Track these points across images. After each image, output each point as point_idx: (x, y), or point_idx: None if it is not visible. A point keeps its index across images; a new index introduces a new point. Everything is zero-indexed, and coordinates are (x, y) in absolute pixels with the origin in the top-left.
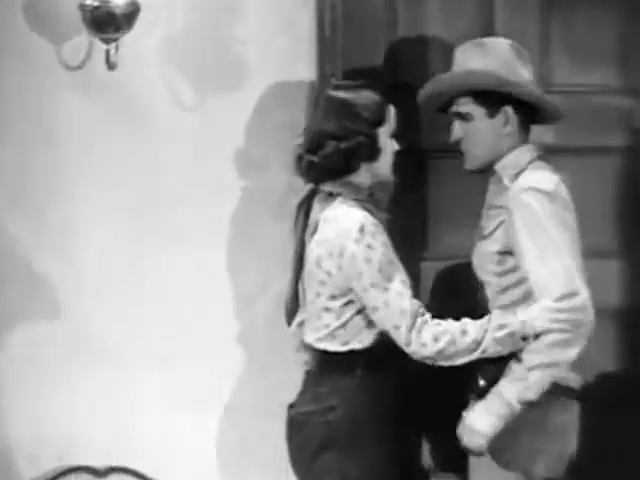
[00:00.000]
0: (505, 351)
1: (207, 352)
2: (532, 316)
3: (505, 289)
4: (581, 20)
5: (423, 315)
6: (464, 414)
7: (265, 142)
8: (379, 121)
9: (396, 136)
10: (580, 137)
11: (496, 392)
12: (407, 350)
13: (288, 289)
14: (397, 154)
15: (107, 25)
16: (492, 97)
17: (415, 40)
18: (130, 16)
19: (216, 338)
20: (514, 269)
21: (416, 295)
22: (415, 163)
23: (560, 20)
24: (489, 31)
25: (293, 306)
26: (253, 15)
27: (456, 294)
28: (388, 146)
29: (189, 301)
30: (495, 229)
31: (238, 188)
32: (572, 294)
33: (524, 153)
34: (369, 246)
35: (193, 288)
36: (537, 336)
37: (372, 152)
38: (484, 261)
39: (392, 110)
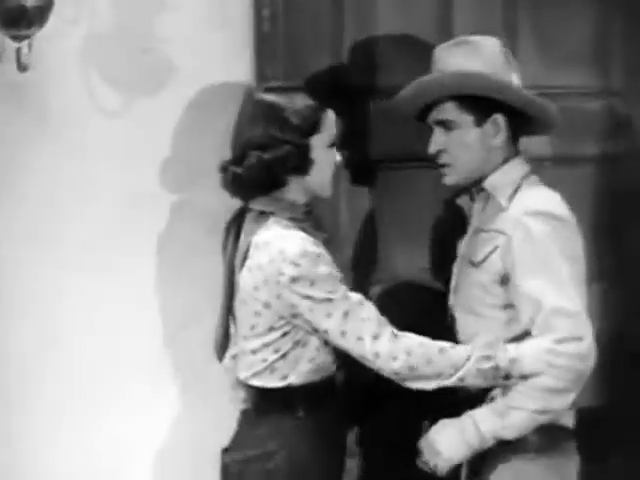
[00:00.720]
0: (483, 384)
1: (134, 389)
2: (524, 354)
3: (508, 322)
4: (550, 15)
5: (389, 326)
6: (432, 428)
7: (197, 151)
8: (312, 129)
9: (342, 145)
10: (551, 145)
11: (472, 419)
12: (374, 364)
13: (218, 320)
14: (347, 165)
15: (17, 20)
16: (481, 103)
17: (365, 38)
18: (43, 10)
19: (145, 372)
20: None
21: None
22: (363, 175)
23: (527, 15)
24: (447, 27)
25: (224, 339)
26: (183, 10)
27: (410, 320)
28: (324, 157)
29: (112, 329)
30: (487, 256)
31: (168, 202)
32: (577, 338)
33: (515, 168)
34: (312, 267)
35: (117, 314)
36: (524, 377)
37: (302, 164)
38: (477, 293)
39: (331, 117)
